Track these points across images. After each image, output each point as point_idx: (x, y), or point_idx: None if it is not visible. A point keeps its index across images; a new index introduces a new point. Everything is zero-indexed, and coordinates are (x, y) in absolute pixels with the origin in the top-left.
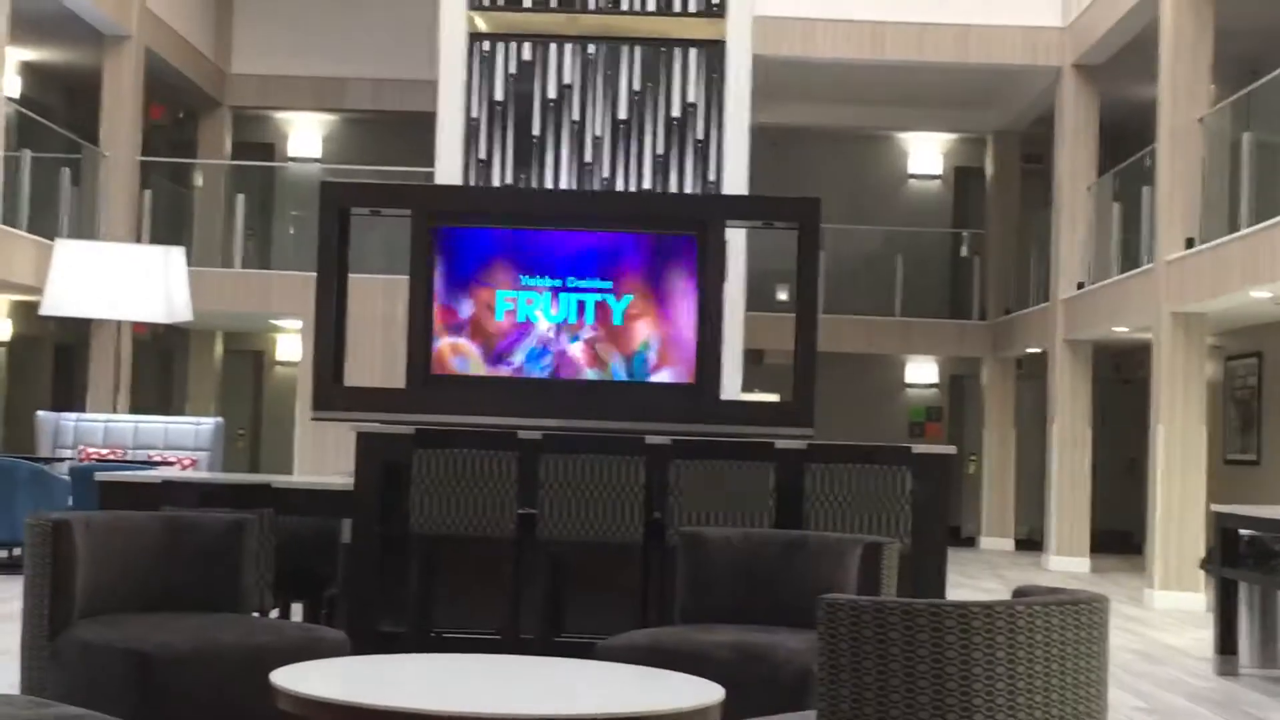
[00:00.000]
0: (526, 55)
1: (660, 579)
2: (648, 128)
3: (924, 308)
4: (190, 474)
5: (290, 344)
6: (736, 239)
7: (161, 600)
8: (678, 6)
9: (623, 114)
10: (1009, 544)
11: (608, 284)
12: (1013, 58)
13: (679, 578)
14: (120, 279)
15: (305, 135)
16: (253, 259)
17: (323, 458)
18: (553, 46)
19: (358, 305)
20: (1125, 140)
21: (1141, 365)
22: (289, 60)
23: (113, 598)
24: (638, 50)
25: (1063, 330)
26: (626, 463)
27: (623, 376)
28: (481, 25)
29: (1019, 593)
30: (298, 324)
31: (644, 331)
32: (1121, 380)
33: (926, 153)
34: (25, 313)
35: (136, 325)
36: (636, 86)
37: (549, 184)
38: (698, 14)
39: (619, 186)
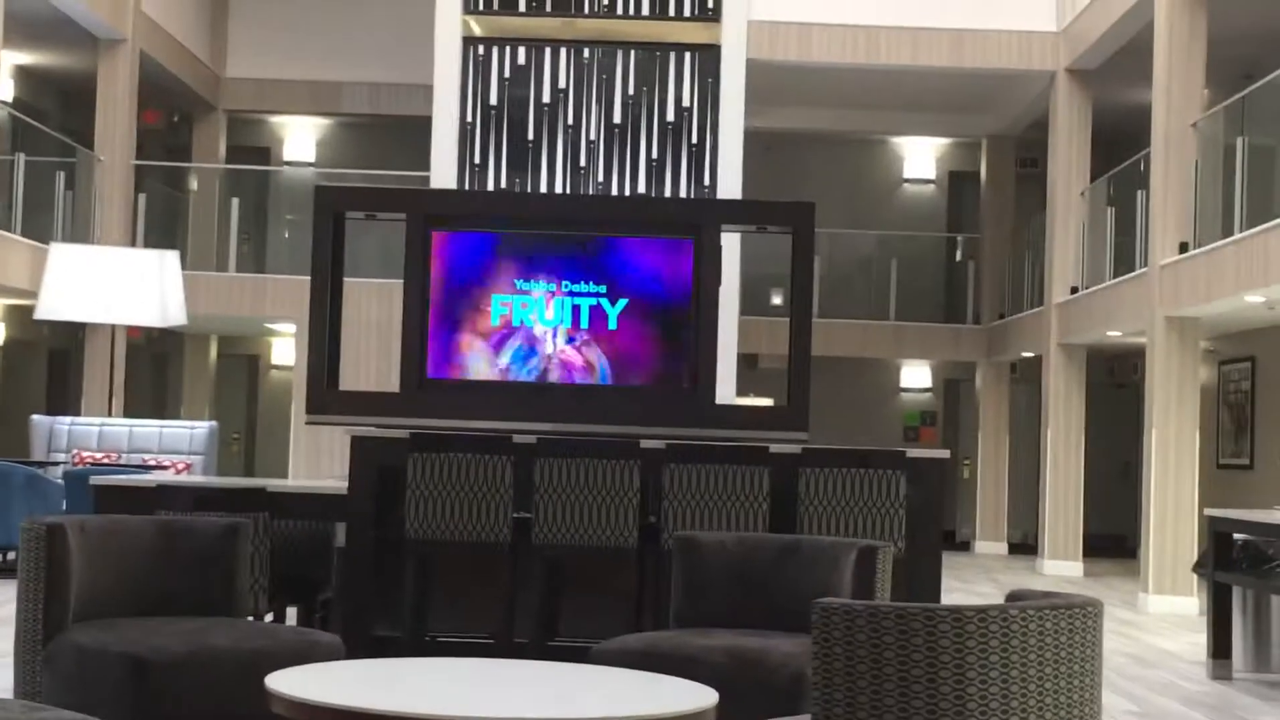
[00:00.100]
0: (521, 59)
1: (655, 583)
2: (642, 132)
3: (918, 312)
4: (185, 478)
5: (285, 348)
6: (731, 243)
7: (156, 604)
8: (672, 11)
9: (617, 118)
10: (1003, 548)
11: (602, 288)
12: (1007, 62)
13: (673, 582)
14: (115, 283)
15: (300, 139)
16: (247, 263)
17: (317, 462)
18: (547, 51)
19: (352, 309)
20: (1119, 145)
21: (1135, 369)
22: (284, 64)
23: (107, 602)
24: (632, 54)
25: (1057, 334)
26: (621, 467)
27: (616, 381)
28: (477, 29)
29: (1013, 597)
30: (292, 328)
31: (638, 335)
32: (1115, 384)
33: (921, 157)
34: (20, 316)
35: (131, 329)
36: (631, 91)
37: (544, 188)
38: (692, 18)
39: (614, 190)
